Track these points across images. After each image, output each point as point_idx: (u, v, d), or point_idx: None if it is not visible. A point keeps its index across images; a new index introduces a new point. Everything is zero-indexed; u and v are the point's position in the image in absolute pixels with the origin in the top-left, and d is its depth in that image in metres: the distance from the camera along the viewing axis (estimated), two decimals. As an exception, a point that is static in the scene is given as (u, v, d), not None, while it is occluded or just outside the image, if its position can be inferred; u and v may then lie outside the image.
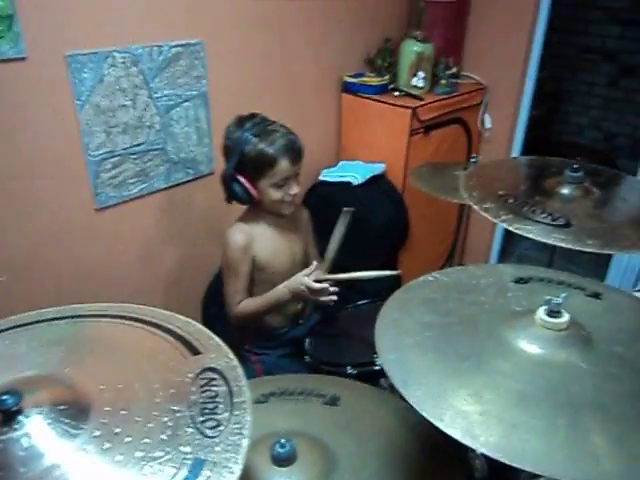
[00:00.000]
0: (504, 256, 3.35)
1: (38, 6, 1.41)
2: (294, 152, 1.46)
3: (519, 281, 0.91)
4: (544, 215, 1.23)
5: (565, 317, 0.75)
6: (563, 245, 1.13)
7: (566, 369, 0.70)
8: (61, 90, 1.52)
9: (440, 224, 2.80)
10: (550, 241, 1.14)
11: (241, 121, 1.46)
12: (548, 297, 0.74)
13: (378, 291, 2.30)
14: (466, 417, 0.62)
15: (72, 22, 1.49)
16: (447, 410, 0.63)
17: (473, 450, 1.07)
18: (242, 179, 1.45)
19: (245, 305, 1.54)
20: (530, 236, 1.15)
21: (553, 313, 0.75)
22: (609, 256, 2.70)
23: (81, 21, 1.51)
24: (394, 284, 2.53)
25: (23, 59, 1.42)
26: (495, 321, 0.79)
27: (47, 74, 1.48)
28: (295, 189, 1.50)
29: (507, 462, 0.56)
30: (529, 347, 0.74)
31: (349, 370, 1.38)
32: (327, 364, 1.45)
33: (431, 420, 0.61)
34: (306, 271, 1.49)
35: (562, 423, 0.61)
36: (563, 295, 0.73)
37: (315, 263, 1.51)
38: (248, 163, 1.43)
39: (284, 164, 1.44)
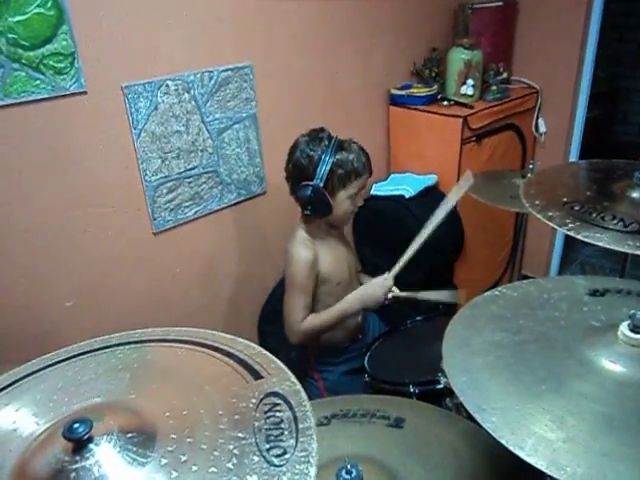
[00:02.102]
0: (565, 264, 3.20)
1: (97, 42, 1.47)
2: (370, 164, 1.54)
3: (595, 293, 0.85)
4: (615, 221, 1.15)
5: (652, 333, 0.69)
6: (638, 253, 1.05)
7: (657, 390, 0.64)
8: (119, 120, 1.58)
9: (496, 234, 2.72)
10: (624, 249, 1.06)
11: (317, 133, 1.49)
12: (632, 311, 0.68)
13: (435, 306, 2.25)
14: (549, 445, 0.58)
15: (128, 55, 1.54)
16: (528, 437, 0.59)
17: (550, 475, 1.00)
18: (325, 192, 1.46)
19: (311, 321, 1.52)
20: (601, 244, 1.09)
21: (638, 329, 0.69)
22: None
23: (136, 53, 1.56)
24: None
25: (84, 93, 1.48)
26: (572, 338, 0.74)
27: (106, 105, 1.54)
28: (362, 201, 1.56)
29: (600, 496, 0.51)
30: (613, 366, 0.68)
31: (411, 389, 1.34)
32: (388, 383, 1.41)
33: (511, 448, 0.57)
34: (379, 280, 1.54)
35: (659, 452, 0.56)
36: (649, 309, 0.68)
37: (387, 274, 1.56)
38: (336, 174, 1.45)
39: (366, 176, 1.52)
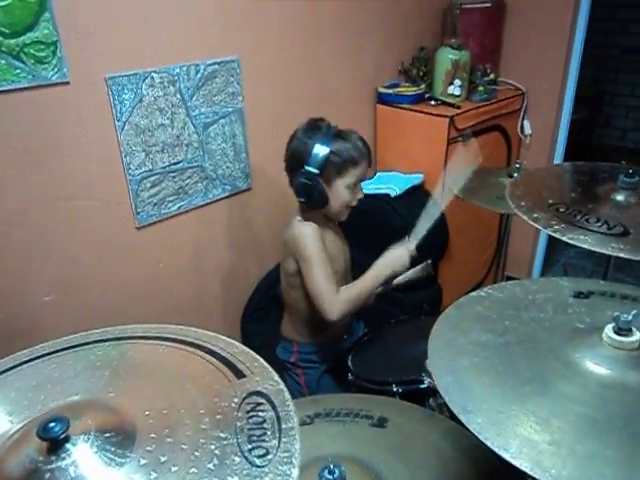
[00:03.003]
0: (548, 265, 3.24)
1: (80, 31, 1.43)
2: (370, 154, 1.51)
3: (579, 295, 0.86)
4: (599, 224, 1.16)
5: (636, 335, 0.69)
6: (622, 255, 1.06)
7: (640, 393, 0.64)
8: (103, 112, 1.55)
9: (481, 234, 2.73)
10: (607, 251, 1.07)
11: (315, 122, 1.47)
12: (617, 313, 0.68)
13: (419, 305, 2.25)
14: (534, 447, 0.57)
15: (112, 45, 1.51)
16: (513, 439, 0.58)
17: (534, 477, 1.01)
18: (320, 180, 1.43)
19: (346, 291, 1.47)
20: (585, 246, 1.09)
21: (622, 331, 0.69)
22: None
23: (121, 44, 1.53)
24: (434, 298, 2.49)
25: (67, 83, 1.45)
26: (557, 340, 0.74)
27: (89, 97, 1.51)
28: (362, 194, 1.52)
29: (584, 499, 0.51)
30: (597, 368, 0.68)
31: (394, 389, 1.33)
32: (372, 382, 1.40)
33: (496, 450, 0.57)
34: (400, 245, 1.52)
35: (642, 455, 0.56)
36: (634, 312, 0.68)
37: (407, 239, 1.54)
38: (332, 162, 1.42)
39: (364, 165, 1.48)
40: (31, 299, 1.54)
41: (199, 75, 1.74)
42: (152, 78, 1.63)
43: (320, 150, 1.40)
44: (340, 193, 1.47)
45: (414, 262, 1.55)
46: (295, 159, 1.45)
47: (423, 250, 2.30)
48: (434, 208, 1.56)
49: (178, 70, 1.68)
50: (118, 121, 1.58)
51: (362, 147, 1.47)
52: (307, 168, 1.41)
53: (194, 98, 1.75)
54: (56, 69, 1.41)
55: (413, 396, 1.29)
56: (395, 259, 1.50)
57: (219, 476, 0.59)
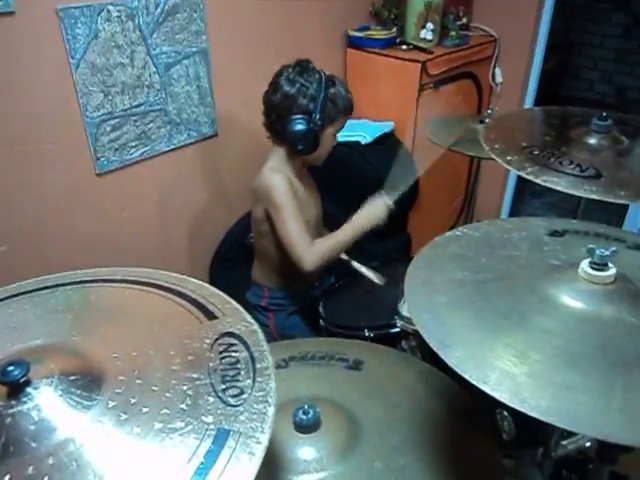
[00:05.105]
0: (514, 216, 3.29)
1: (24, -46, 1.31)
2: None
3: (554, 234, 0.86)
4: (572, 166, 1.16)
5: (612, 270, 0.69)
6: (595, 197, 1.06)
7: (616, 326, 0.65)
8: (55, 47, 1.43)
9: (450, 184, 2.73)
10: (581, 193, 1.07)
11: (307, 64, 1.41)
12: (591, 246, 0.68)
13: (388, 253, 2.26)
14: (513, 379, 0.57)
15: (62, -28, 1.39)
16: (491, 372, 0.58)
17: (500, 412, 1.03)
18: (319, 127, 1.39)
19: (323, 242, 1.44)
20: (559, 188, 1.09)
21: (598, 266, 0.69)
22: (625, 212, 2.65)
23: (71, -29, 1.41)
24: (403, 246, 2.49)
25: (12, 13, 1.32)
26: (533, 276, 0.74)
27: (38, 30, 1.39)
28: (336, 140, 1.51)
29: (562, 426, 0.51)
30: (573, 303, 0.68)
31: (367, 333, 1.34)
32: (343, 327, 1.40)
33: (475, 383, 0.56)
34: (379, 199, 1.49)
35: (618, 384, 0.56)
36: (612, 249, 0.67)
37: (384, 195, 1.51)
38: (327, 109, 1.39)
39: (350, 113, 1.47)
40: (-16, 249, 1.47)
41: (159, 9, 1.62)
42: (108, 11, 1.51)
43: (322, 97, 1.36)
44: (327, 140, 1.44)
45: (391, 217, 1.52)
46: (288, 103, 1.37)
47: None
48: (408, 161, 1.53)
49: (136, 3, 1.56)
50: (72, 58, 1.47)
51: (350, 95, 1.45)
52: (312, 117, 1.36)
53: (154, 35, 1.64)
54: (-1, -3, 1.29)
55: (385, 340, 1.29)
56: (374, 213, 1.47)
57: (193, 416, 0.57)
